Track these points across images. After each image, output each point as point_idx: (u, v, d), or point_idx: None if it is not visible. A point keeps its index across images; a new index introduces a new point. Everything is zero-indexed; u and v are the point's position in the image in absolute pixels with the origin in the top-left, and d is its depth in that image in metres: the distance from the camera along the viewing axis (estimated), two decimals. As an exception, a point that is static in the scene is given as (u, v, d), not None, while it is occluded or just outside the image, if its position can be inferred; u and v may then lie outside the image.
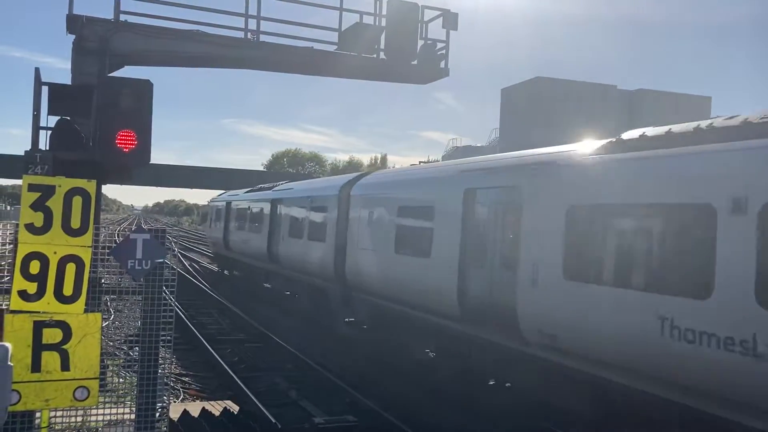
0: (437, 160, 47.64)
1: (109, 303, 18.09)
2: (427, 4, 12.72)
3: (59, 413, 6.69)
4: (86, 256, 5.98)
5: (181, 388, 11.66)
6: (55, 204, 5.92)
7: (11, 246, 6.01)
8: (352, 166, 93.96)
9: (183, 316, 18.03)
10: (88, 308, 6.04)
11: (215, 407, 9.36)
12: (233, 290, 26.13)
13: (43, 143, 8.78)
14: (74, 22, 10.21)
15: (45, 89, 8.80)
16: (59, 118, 8.84)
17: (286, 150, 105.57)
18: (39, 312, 5.82)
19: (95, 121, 8.49)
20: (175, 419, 8.41)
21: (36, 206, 5.87)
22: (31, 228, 5.85)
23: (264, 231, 22.11)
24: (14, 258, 5.85)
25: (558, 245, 8.61)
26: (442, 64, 12.96)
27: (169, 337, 6.51)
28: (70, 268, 5.91)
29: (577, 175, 8.75)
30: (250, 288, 25.43)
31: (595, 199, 8.34)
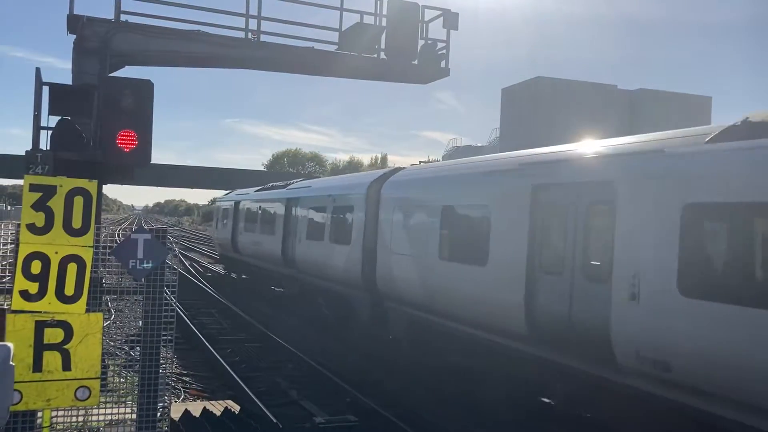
0: (437, 160, 47.63)
1: (110, 303, 18.09)
2: (428, 4, 12.74)
3: (60, 413, 6.69)
4: (87, 256, 5.99)
5: (182, 387, 11.66)
6: (57, 204, 5.92)
7: (12, 246, 6.02)
8: (352, 166, 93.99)
9: (185, 317, 18.03)
10: (90, 308, 6.04)
11: (216, 407, 9.37)
12: (239, 293, 26.10)
13: (44, 143, 8.78)
14: (75, 22, 10.23)
15: (46, 89, 8.81)
16: (60, 118, 8.84)
17: (286, 150, 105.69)
18: (40, 312, 5.83)
19: (96, 121, 8.50)
20: (177, 419, 8.42)
21: (37, 206, 5.88)
22: (32, 228, 5.86)
23: (278, 232, 20.61)
24: (15, 258, 5.86)
25: (670, 253, 6.98)
26: (443, 64, 12.99)
27: (170, 337, 6.52)
28: (72, 268, 5.92)
29: (697, 166, 7.03)
30: (260, 291, 24.02)
31: (728, 197, 6.63)
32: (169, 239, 6.57)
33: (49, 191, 5.93)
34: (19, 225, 5.89)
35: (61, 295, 5.88)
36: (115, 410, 7.05)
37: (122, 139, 8.03)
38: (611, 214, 7.88)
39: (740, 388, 6.35)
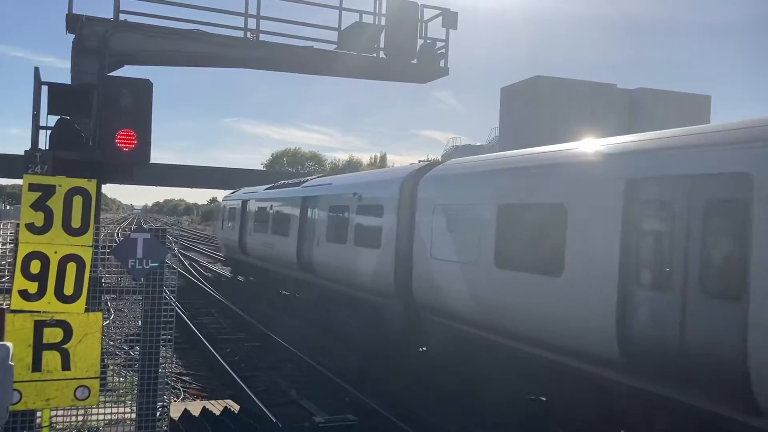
0: (437, 159, 47.60)
1: (109, 302, 18.10)
2: (427, 3, 12.74)
3: (60, 412, 6.70)
4: (87, 256, 5.98)
5: (182, 387, 11.66)
6: (56, 203, 5.92)
7: (12, 246, 6.02)
8: (352, 165, 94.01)
9: (184, 316, 18.03)
10: (89, 308, 6.04)
11: (216, 406, 9.37)
12: (239, 293, 26.10)
13: (43, 143, 8.78)
14: (74, 22, 10.23)
15: (45, 89, 8.80)
16: (59, 117, 8.84)
17: (285, 149, 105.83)
18: (40, 311, 5.82)
19: (95, 121, 8.49)
20: (176, 418, 8.42)
21: (36, 206, 5.88)
22: (31, 228, 5.85)
23: (292, 234, 18.96)
24: (15, 258, 5.85)
25: None
26: (442, 63, 12.98)
27: (169, 337, 6.51)
28: (71, 268, 5.91)
29: None
30: (268, 296, 22.47)
31: None
32: (169, 239, 6.57)
33: (48, 191, 5.92)
34: (18, 224, 5.89)
35: (60, 295, 5.88)
36: (114, 410, 7.05)
37: (121, 139, 8.04)
38: (745, 213, 6.46)
39: None
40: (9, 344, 5.25)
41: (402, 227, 12.94)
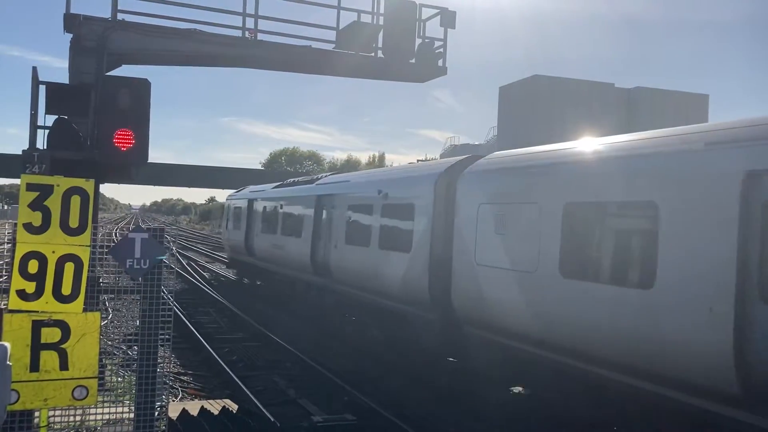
0: (435, 158, 47.62)
1: (107, 302, 18.09)
2: (425, 2, 12.73)
3: (58, 412, 6.69)
4: (85, 256, 5.98)
5: (180, 386, 11.66)
6: (54, 203, 5.92)
7: (9, 245, 6.01)
8: (350, 164, 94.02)
9: (182, 315, 18.01)
10: (87, 307, 6.04)
11: (214, 406, 9.36)
12: (238, 293, 26.07)
13: (41, 142, 8.77)
14: (72, 21, 10.21)
15: (42, 88, 8.80)
16: (57, 117, 8.84)
17: (284, 149, 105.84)
18: (37, 311, 5.82)
19: (93, 120, 8.49)
20: (174, 418, 8.41)
21: (34, 205, 5.87)
22: (29, 227, 5.85)
23: (306, 235, 17.74)
24: (12, 257, 5.85)
25: None
26: (440, 63, 12.98)
27: (167, 336, 6.51)
28: (69, 268, 5.91)
29: None
30: (274, 299, 21.78)
31: None
32: (167, 238, 6.57)
33: (46, 190, 5.92)
34: (16, 224, 5.88)
35: (58, 295, 5.87)
36: (112, 409, 7.04)
37: (119, 138, 8.04)
38: None
39: None
40: (7, 344, 5.24)
41: (437, 229, 11.60)
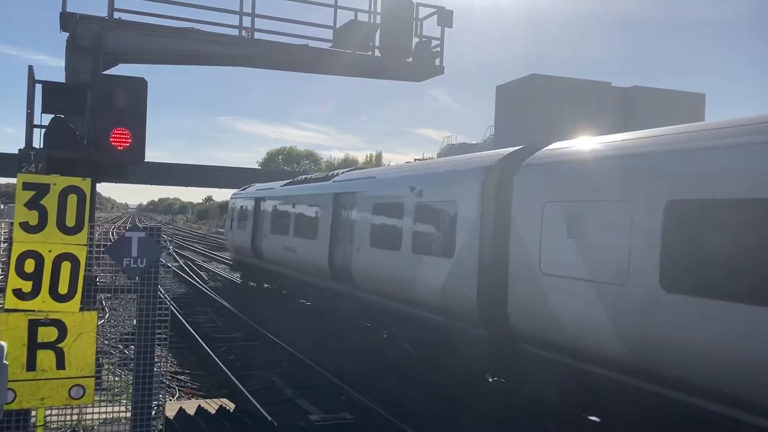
0: (432, 158, 47.65)
1: (104, 301, 18.08)
2: (422, 1, 12.75)
3: (54, 412, 6.68)
4: (81, 255, 5.97)
5: (177, 386, 11.66)
6: (50, 202, 5.91)
7: (6, 244, 6.00)
8: (347, 163, 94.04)
9: (179, 315, 18.00)
10: (84, 306, 6.03)
11: (211, 405, 9.36)
12: (236, 293, 26.03)
13: (38, 141, 8.77)
14: (68, 20, 10.20)
15: (39, 87, 8.79)
16: (53, 116, 8.83)
17: (281, 148, 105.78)
18: (34, 311, 5.81)
19: (89, 120, 8.49)
20: (171, 417, 8.41)
21: (31, 204, 5.86)
22: (25, 226, 5.84)
23: (322, 237, 16.36)
24: (9, 256, 5.84)
25: None
26: (437, 62, 12.99)
27: (164, 335, 6.51)
28: (65, 267, 5.90)
29: None
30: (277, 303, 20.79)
31: None
32: (164, 237, 6.56)
33: (43, 189, 5.91)
34: (12, 223, 5.87)
35: (54, 294, 5.87)
36: (109, 409, 7.04)
37: (116, 138, 8.04)
38: None
39: None
40: (3, 343, 5.23)
41: (487, 231, 10.13)
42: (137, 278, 6.39)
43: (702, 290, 6.61)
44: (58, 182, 5.97)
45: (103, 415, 6.89)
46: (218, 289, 24.92)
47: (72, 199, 5.98)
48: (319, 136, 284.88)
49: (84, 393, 5.96)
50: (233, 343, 15.54)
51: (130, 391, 6.56)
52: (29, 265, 5.81)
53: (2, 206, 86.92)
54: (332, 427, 9.61)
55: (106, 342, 14.03)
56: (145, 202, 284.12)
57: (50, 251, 5.88)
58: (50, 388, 5.86)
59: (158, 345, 6.49)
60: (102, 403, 7.03)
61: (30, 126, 8.84)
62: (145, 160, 8.53)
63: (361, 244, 14.19)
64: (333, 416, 9.99)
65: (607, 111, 44.93)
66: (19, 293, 5.79)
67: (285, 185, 21.66)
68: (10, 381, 5.41)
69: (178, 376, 12.41)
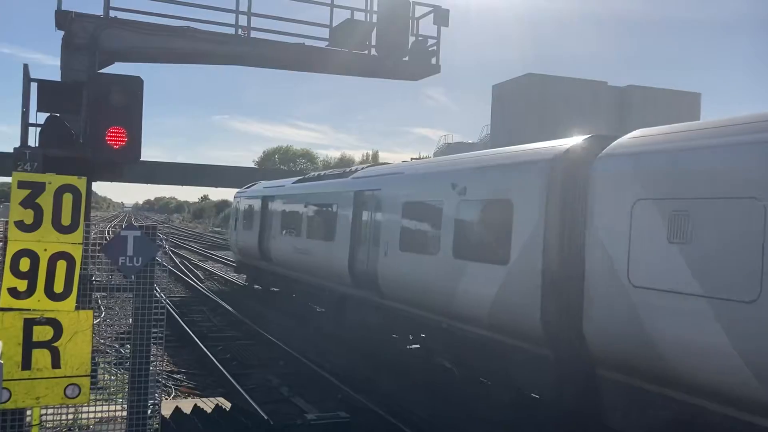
0: (428, 156, 47.65)
1: (100, 300, 18.05)
2: (418, 0, 12.75)
3: (50, 411, 6.67)
4: (77, 253, 5.96)
5: (173, 385, 11.64)
6: (45, 201, 5.89)
7: (1, 243, 5.99)
8: (344, 162, 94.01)
9: (175, 314, 17.97)
10: (79, 305, 6.02)
11: (207, 404, 9.36)
12: (233, 293, 25.96)
13: (33, 140, 8.74)
14: (63, 18, 10.18)
15: (34, 86, 8.77)
16: (49, 114, 8.81)
17: (277, 147, 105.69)
18: (29, 309, 5.80)
19: (85, 118, 8.47)
20: (167, 416, 8.40)
21: (26, 203, 5.85)
22: (20, 225, 5.83)
23: (341, 239, 15.03)
24: (4, 255, 5.83)
25: None
26: (433, 61, 13.01)
27: (160, 334, 6.50)
28: (61, 266, 5.89)
29: None
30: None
31: None
32: (159, 236, 6.55)
33: (38, 188, 5.90)
34: (7, 222, 5.86)
35: (50, 293, 5.85)
36: (105, 408, 7.03)
37: (111, 136, 8.01)
38: None
39: None
40: (-2, 342, 5.24)
41: (552, 234, 8.74)
42: (133, 277, 6.39)
43: None
44: (53, 181, 5.96)
45: (99, 415, 6.89)
46: (214, 288, 24.88)
47: (67, 198, 5.96)
48: (315, 135, 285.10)
49: (79, 392, 5.95)
50: (229, 342, 15.52)
51: (126, 390, 6.55)
52: (24, 264, 5.80)
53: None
54: (328, 425, 9.58)
55: (102, 341, 14.01)
56: (141, 201, 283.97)
57: (46, 250, 5.87)
58: (46, 387, 5.85)
59: (154, 344, 6.48)
60: (98, 402, 7.02)
61: (25, 124, 8.82)
62: (141, 158, 8.51)
63: (389, 248, 12.79)
64: (329, 414, 9.95)
65: (602, 110, 44.99)
66: (14, 292, 5.77)
67: (296, 182, 20.32)
68: (5, 380, 5.41)
69: (174, 375, 12.40)
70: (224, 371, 12.20)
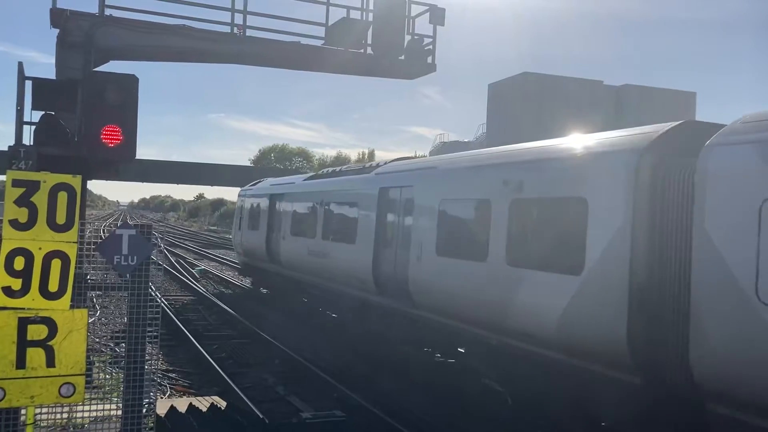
0: (424, 155, 47.65)
1: (95, 299, 18.01)
2: (414, -1, 12.76)
3: (45, 410, 6.65)
4: (72, 252, 5.94)
5: (168, 384, 11.63)
6: (40, 200, 5.87)
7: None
8: (340, 161, 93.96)
9: (170, 313, 17.94)
10: (74, 304, 6.00)
11: (203, 403, 9.35)
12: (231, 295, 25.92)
13: (28, 138, 8.72)
14: (58, 16, 10.15)
15: (29, 84, 8.74)
16: (43, 113, 8.79)
17: (273, 145, 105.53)
18: (24, 308, 5.78)
19: (80, 116, 8.45)
20: (162, 415, 8.39)
21: (20, 202, 5.83)
22: (15, 224, 5.80)
23: (364, 241, 13.79)
24: (-2, 254, 5.80)
25: None
26: (429, 60, 13.02)
27: (155, 333, 6.49)
28: (56, 264, 5.87)
29: None
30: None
31: None
32: (155, 235, 6.54)
33: (33, 187, 5.87)
34: (1, 221, 5.84)
35: (45, 292, 5.83)
36: (100, 406, 7.01)
37: (107, 134, 8.00)
38: None
39: None
40: (-7, 341, 5.22)
41: (642, 239, 7.43)
42: (128, 276, 6.37)
43: None
44: (48, 179, 5.94)
45: (94, 413, 6.87)
46: (209, 287, 24.85)
47: (62, 197, 5.94)
48: (310, 134, 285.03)
49: (74, 391, 5.94)
50: (225, 341, 15.51)
51: (121, 389, 6.53)
52: (19, 263, 5.78)
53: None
54: (323, 424, 9.59)
55: (97, 340, 13.98)
56: (136, 200, 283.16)
57: (40, 249, 5.85)
58: (40, 386, 5.83)
59: (149, 342, 6.47)
60: (93, 401, 7.00)
61: (20, 123, 8.80)
62: (136, 157, 8.50)
63: (424, 252, 11.44)
64: (324, 413, 9.96)
65: (598, 109, 45.03)
66: (8, 291, 5.75)
67: (308, 179, 19.04)
68: (-1, 379, 5.39)
69: (170, 374, 12.38)
70: (220, 371, 12.19)
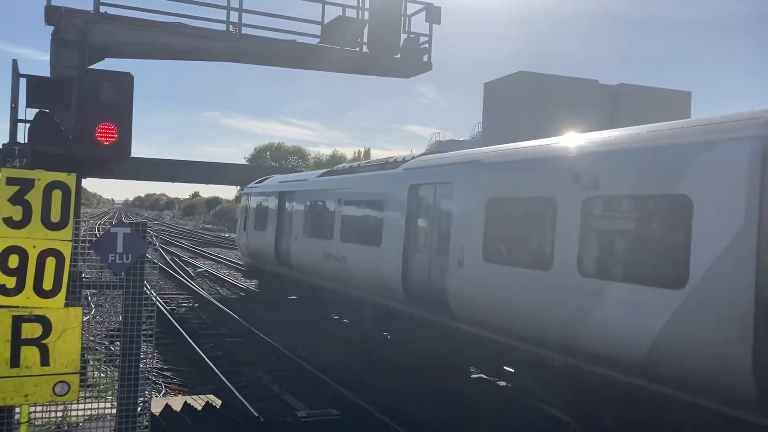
0: (423, 154, 47.61)
1: (89, 297, 17.97)
2: (410, -3, 12.75)
3: (39, 408, 6.64)
4: (66, 250, 5.92)
5: (163, 382, 11.61)
6: (35, 198, 5.85)
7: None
8: (335, 159, 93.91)
9: (165, 311, 17.91)
10: (69, 302, 5.99)
11: (198, 401, 9.33)
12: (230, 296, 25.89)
13: (22, 136, 8.69)
14: (53, 14, 10.12)
15: (23, 81, 8.72)
16: (38, 110, 8.76)
17: (268, 144, 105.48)
18: (18, 306, 5.76)
19: (75, 114, 8.43)
20: (157, 413, 8.38)
21: (14, 200, 5.81)
22: (9, 222, 5.78)
23: (391, 244, 12.53)
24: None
25: None
26: (425, 58, 13.02)
27: (150, 332, 6.48)
28: (50, 262, 5.85)
29: None
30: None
31: None
32: (150, 233, 6.53)
33: (27, 185, 5.85)
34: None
35: (39, 290, 5.81)
36: (94, 405, 7.00)
37: (102, 132, 7.98)
38: None
39: None
40: (-13, 340, 5.20)
41: None
42: (123, 274, 6.36)
43: None
44: (42, 177, 5.92)
45: (89, 412, 6.86)
46: (205, 285, 24.81)
47: (57, 195, 5.92)
48: (306, 132, 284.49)
49: (69, 389, 5.92)
50: (220, 340, 15.49)
51: (116, 387, 6.52)
52: (13, 261, 5.76)
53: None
54: (318, 422, 9.58)
55: (92, 338, 13.95)
56: (131, 198, 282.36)
57: (34, 247, 5.83)
58: (34, 384, 5.81)
59: (144, 341, 6.46)
60: (87, 400, 6.99)
61: (14, 120, 8.77)
62: (131, 155, 8.48)
63: (467, 257, 10.13)
64: (319, 412, 9.96)
65: (594, 108, 45.10)
66: (2, 289, 5.73)
67: (322, 176, 17.56)
68: (-7, 377, 5.37)
69: (165, 372, 12.36)
70: (215, 369, 12.18)
